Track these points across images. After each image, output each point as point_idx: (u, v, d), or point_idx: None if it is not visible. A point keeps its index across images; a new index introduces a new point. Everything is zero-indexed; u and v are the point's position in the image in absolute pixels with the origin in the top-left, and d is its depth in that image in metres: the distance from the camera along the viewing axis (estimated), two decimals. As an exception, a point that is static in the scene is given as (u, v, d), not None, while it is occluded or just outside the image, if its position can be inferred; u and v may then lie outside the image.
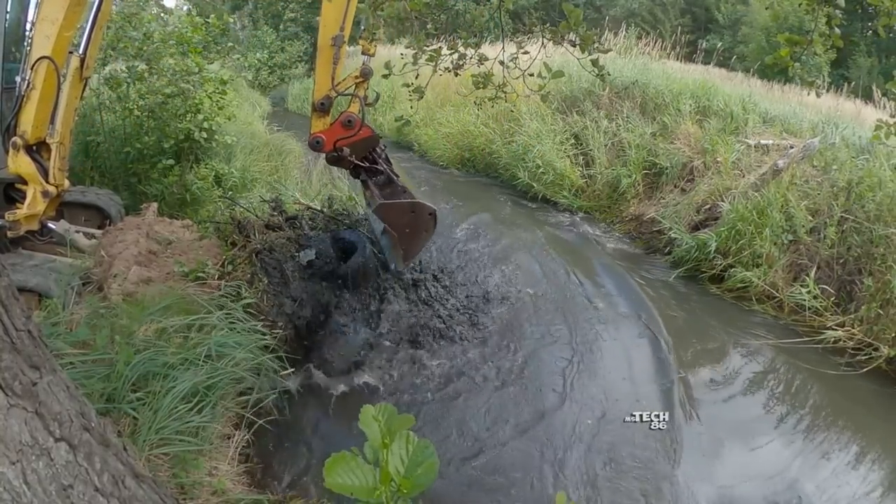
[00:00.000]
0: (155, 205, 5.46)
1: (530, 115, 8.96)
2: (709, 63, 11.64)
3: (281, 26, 22.88)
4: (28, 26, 5.27)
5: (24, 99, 4.26)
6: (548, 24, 2.86)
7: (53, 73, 4.28)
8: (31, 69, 4.19)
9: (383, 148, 4.25)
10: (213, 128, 7.35)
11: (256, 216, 5.35)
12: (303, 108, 17.24)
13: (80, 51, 4.53)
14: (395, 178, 4.20)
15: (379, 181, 4.15)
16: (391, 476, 1.22)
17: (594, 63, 2.79)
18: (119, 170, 7.08)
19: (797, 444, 3.86)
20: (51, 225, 4.72)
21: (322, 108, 3.81)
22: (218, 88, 7.61)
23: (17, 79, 4.30)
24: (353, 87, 3.89)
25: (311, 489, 3.15)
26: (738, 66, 14.33)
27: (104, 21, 4.96)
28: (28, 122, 4.32)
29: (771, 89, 10.82)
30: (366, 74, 3.86)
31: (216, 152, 7.86)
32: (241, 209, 5.58)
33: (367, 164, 4.09)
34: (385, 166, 4.18)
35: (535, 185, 8.45)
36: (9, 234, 4.50)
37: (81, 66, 4.53)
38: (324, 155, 4.01)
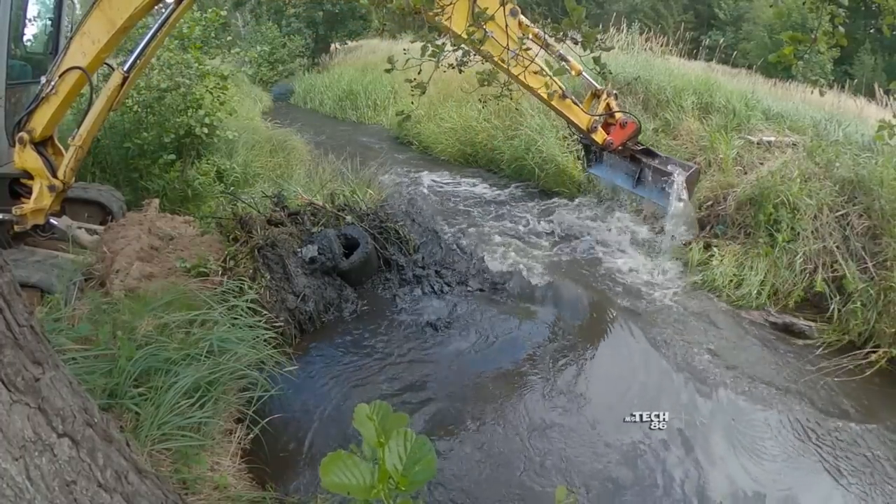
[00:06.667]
0: (156, 200, 5.46)
1: (533, 111, 8.94)
2: (711, 59, 11.58)
3: (283, 22, 22.80)
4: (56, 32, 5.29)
5: (44, 100, 4.28)
6: (548, 20, 2.84)
7: (82, 84, 4.30)
8: (60, 76, 4.20)
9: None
10: (215, 123, 7.33)
11: (258, 212, 5.34)
12: (307, 103, 17.25)
13: (125, 68, 4.45)
14: (656, 152, 5.84)
15: (647, 155, 5.76)
16: (389, 474, 1.21)
17: (596, 61, 2.77)
18: (120, 165, 7.07)
19: (797, 444, 3.85)
20: (53, 221, 4.72)
21: (595, 128, 5.23)
22: (219, 84, 7.59)
23: (43, 79, 4.29)
24: (599, 103, 5.32)
25: (313, 485, 3.15)
26: (741, 63, 14.25)
27: (157, 47, 4.96)
28: (40, 123, 4.34)
29: (773, 86, 10.75)
30: (609, 93, 5.29)
31: (217, 148, 7.85)
32: (243, 205, 5.56)
33: (640, 148, 5.73)
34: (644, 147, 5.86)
35: (540, 175, 8.53)
36: (15, 227, 4.52)
37: (122, 83, 4.48)
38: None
